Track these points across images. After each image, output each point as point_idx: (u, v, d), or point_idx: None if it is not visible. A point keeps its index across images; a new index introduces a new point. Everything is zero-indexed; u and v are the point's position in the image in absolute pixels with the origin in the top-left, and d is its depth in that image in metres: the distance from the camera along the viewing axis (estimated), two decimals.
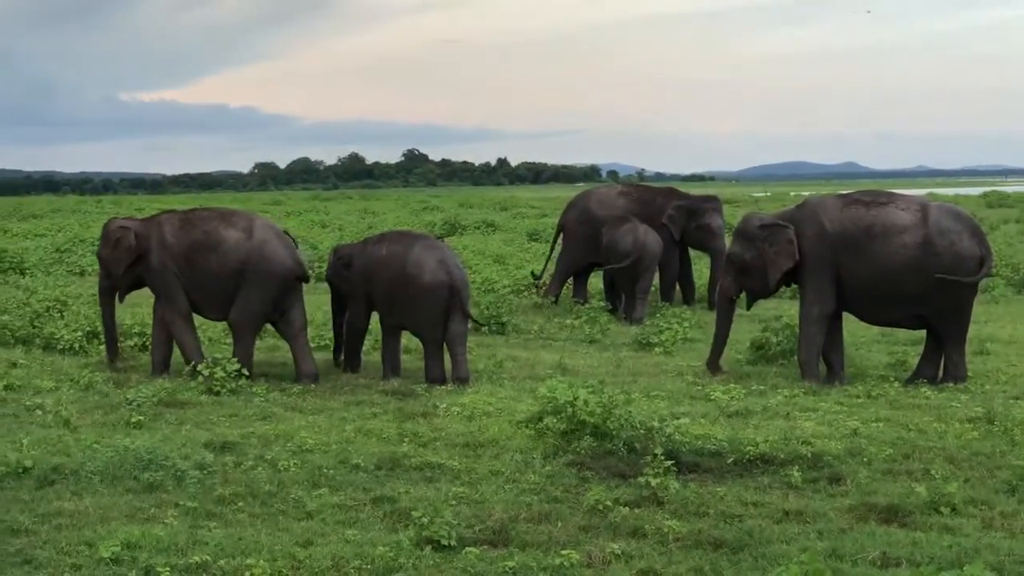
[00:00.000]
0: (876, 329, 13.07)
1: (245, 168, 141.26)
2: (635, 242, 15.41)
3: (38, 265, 21.10)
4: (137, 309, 13.31)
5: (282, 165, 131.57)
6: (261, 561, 5.79)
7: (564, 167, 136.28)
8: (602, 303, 15.59)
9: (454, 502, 6.92)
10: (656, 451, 7.27)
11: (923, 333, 11.23)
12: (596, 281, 17.66)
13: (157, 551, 6.01)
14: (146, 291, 11.71)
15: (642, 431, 8.05)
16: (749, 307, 12.12)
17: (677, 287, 16.97)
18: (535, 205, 45.83)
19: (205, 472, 7.50)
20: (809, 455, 7.89)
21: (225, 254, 11.01)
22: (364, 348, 11.79)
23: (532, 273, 17.79)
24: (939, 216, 10.74)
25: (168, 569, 5.73)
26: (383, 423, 9.10)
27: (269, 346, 12.75)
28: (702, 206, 16.81)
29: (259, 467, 7.71)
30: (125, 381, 10.74)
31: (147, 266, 11.29)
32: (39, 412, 9.32)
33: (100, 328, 11.98)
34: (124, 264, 11.33)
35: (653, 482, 7.01)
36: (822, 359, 10.99)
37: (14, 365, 11.31)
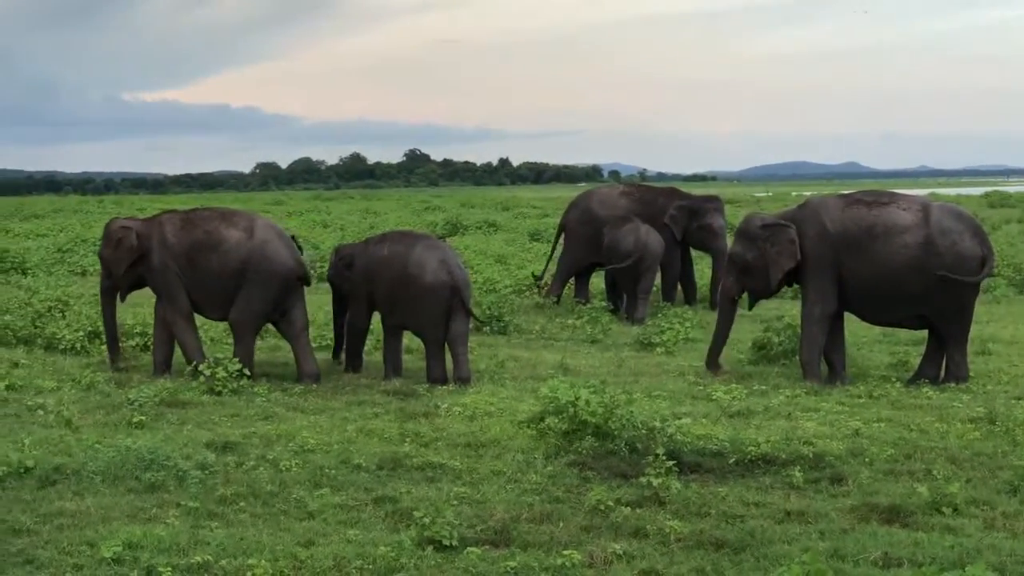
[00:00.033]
0: (878, 329, 13.06)
1: (247, 168, 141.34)
2: (637, 242, 15.41)
3: (40, 265, 21.12)
4: (139, 309, 13.31)
5: (284, 165, 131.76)
6: (263, 561, 5.79)
7: (566, 167, 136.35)
8: (604, 303, 15.59)
9: (456, 502, 6.92)
10: (658, 451, 7.28)
11: (925, 333, 11.23)
12: (598, 281, 17.65)
13: (159, 551, 6.02)
14: (148, 291, 11.70)
15: (644, 431, 8.05)
16: (751, 307, 12.12)
17: (679, 287, 16.97)
18: (537, 205, 45.83)
19: (207, 472, 7.50)
20: (811, 455, 7.89)
21: (226, 254, 11.01)
22: (366, 348, 11.79)
23: (533, 274, 17.78)
24: (941, 216, 10.73)
25: (170, 569, 5.73)
26: (385, 423, 9.11)
27: (271, 346, 12.75)
28: (704, 206, 16.81)
29: (261, 467, 7.72)
30: (127, 381, 10.74)
31: (148, 266, 11.29)
32: (41, 412, 9.32)
33: (102, 328, 11.98)
34: (125, 264, 11.34)
35: (655, 482, 7.01)
36: (824, 359, 10.98)
37: (16, 365, 11.31)
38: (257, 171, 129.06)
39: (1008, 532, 6.47)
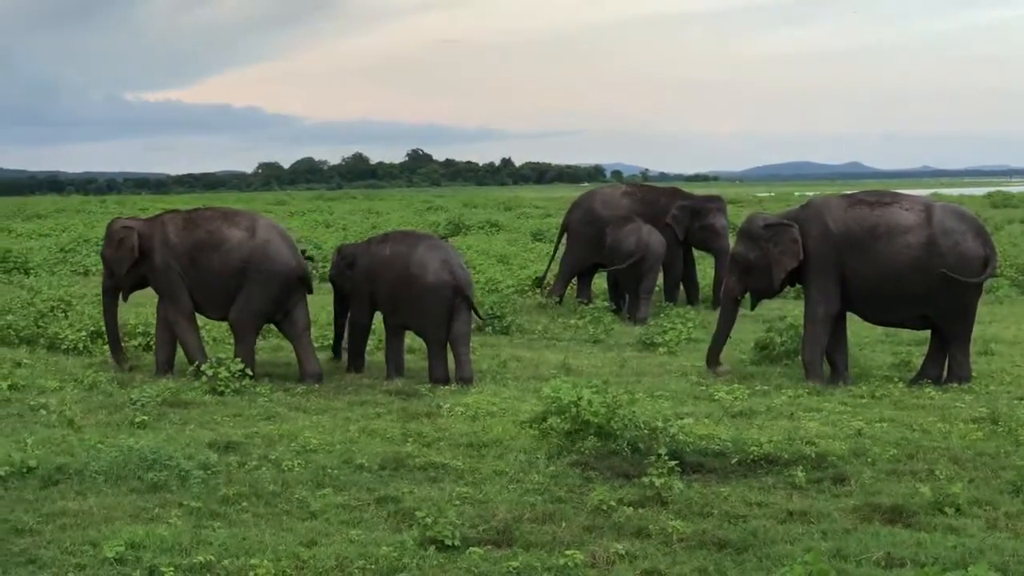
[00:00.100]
0: (880, 329, 13.05)
1: (249, 168, 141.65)
2: (639, 242, 15.40)
3: (42, 265, 21.14)
4: (141, 309, 13.32)
5: (286, 165, 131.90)
6: (265, 561, 5.79)
7: (568, 167, 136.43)
8: (606, 303, 15.59)
9: (458, 502, 6.92)
10: (660, 451, 7.28)
11: (927, 333, 11.22)
12: (600, 281, 17.65)
13: (161, 551, 6.02)
14: (150, 291, 11.71)
15: (646, 431, 8.05)
16: (754, 307, 12.11)
17: (681, 287, 16.96)
18: (539, 205, 45.85)
19: (209, 472, 7.50)
20: (813, 455, 7.89)
21: (228, 253, 11.01)
22: (368, 348, 11.79)
23: (535, 277, 17.75)
24: (943, 216, 10.73)
25: (172, 569, 5.73)
26: (387, 423, 9.11)
27: (273, 346, 12.76)
28: (706, 206, 16.80)
29: (263, 467, 7.72)
30: (129, 381, 10.75)
31: (150, 266, 11.30)
32: (43, 412, 9.32)
33: (104, 328, 11.97)
34: (127, 264, 11.34)
35: (657, 482, 7.01)
36: (826, 359, 10.98)
37: (18, 365, 11.31)
38: (259, 171, 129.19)
39: (1011, 532, 6.46)
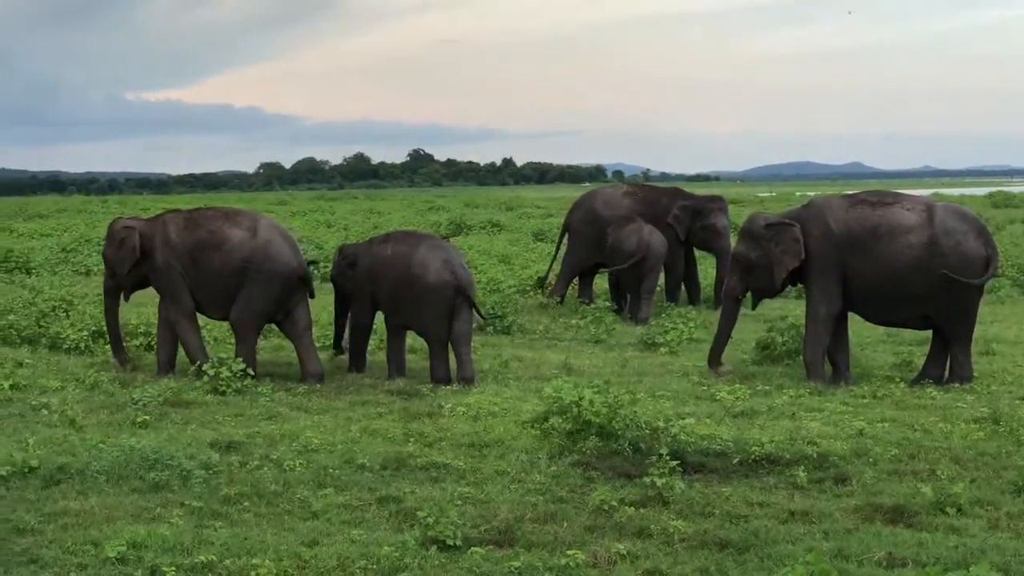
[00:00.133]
0: (882, 329, 13.05)
1: (250, 168, 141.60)
2: (640, 242, 15.40)
3: (44, 265, 21.15)
4: (142, 309, 13.33)
5: (287, 165, 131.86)
6: (267, 561, 5.79)
7: (569, 167, 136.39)
8: (607, 303, 15.59)
9: (459, 502, 6.92)
10: (661, 451, 7.28)
11: (929, 333, 11.22)
12: (601, 281, 17.65)
13: (163, 551, 6.02)
14: (152, 291, 11.71)
15: (647, 431, 8.05)
16: (754, 307, 12.11)
17: (683, 287, 16.96)
18: (540, 205, 45.83)
19: (211, 472, 7.51)
20: (815, 455, 7.89)
21: (229, 252, 11.01)
22: (369, 348, 11.80)
23: (538, 278, 17.72)
24: (945, 216, 10.73)
25: (173, 569, 5.73)
26: (388, 423, 9.11)
27: (274, 346, 12.76)
28: (707, 206, 16.80)
29: (265, 467, 7.72)
30: (131, 381, 10.75)
31: (152, 266, 11.30)
32: (45, 412, 9.33)
33: (105, 328, 11.97)
34: (129, 264, 11.34)
35: (658, 482, 7.01)
36: (828, 359, 10.98)
37: (20, 364, 11.32)
38: (261, 171, 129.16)
39: (1012, 532, 6.46)
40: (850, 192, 11.58)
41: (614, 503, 6.83)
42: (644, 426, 8.07)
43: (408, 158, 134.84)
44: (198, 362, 10.84)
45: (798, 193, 58.53)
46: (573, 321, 14.63)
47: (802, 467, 7.59)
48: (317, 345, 11.64)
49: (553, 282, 17.24)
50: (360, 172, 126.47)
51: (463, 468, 7.71)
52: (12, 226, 33.05)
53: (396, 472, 7.67)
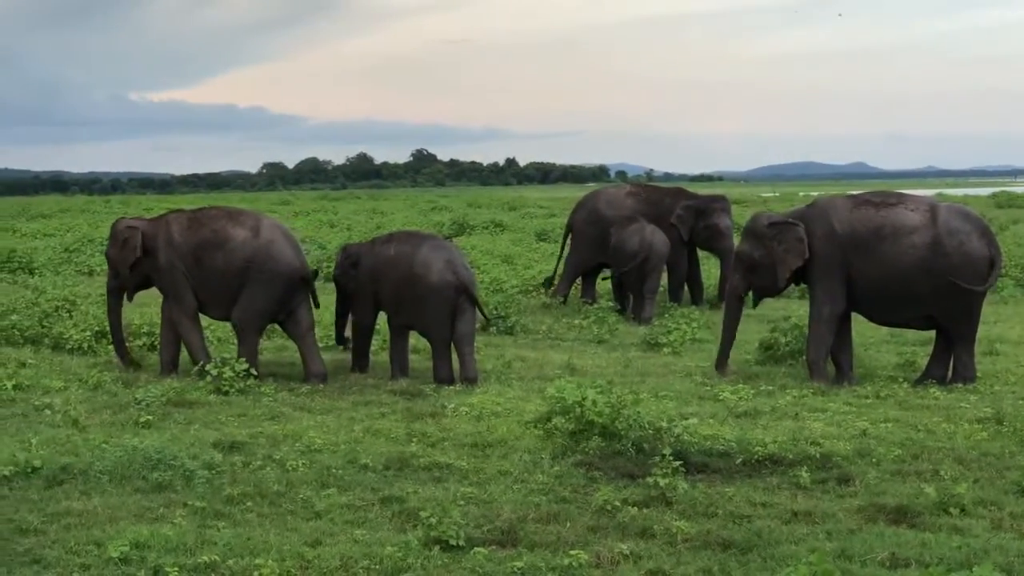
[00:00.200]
0: (885, 330, 13.04)
1: (253, 168, 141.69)
2: (642, 242, 15.40)
3: (47, 265, 21.16)
4: (145, 309, 13.33)
5: (290, 165, 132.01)
6: (270, 561, 5.79)
7: (572, 167, 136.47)
8: (610, 303, 15.58)
9: (462, 502, 6.92)
10: (665, 451, 7.27)
11: (932, 334, 11.21)
12: (604, 281, 17.65)
13: (166, 551, 6.02)
14: (155, 291, 11.71)
15: (651, 431, 8.05)
16: (755, 305, 12.10)
17: (686, 287, 16.96)
18: (543, 205, 45.85)
19: (214, 472, 7.51)
20: (818, 456, 7.89)
21: (231, 252, 11.01)
22: (372, 348, 11.79)
23: (546, 279, 17.70)
24: (948, 217, 10.72)
25: (176, 569, 5.73)
26: (391, 423, 9.11)
27: (277, 346, 12.76)
28: (710, 206, 16.80)
29: (268, 467, 7.72)
30: (133, 381, 10.75)
31: (155, 265, 11.30)
32: (48, 412, 9.34)
33: (108, 328, 11.98)
34: (131, 263, 11.34)
35: (662, 482, 7.01)
36: (831, 359, 10.97)
37: (23, 365, 11.32)
38: (264, 171, 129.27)
39: (1015, 533, 6.46)
40: (854, 192, 11.57)
41: (617, 503, 6.83)
42: (647, 426, 8.07)
43: (411, 158, 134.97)
44: (201, 362, 10.84)
45: (801, 193, 58.49)
46: (576, 321, 14.62)
47: (805, 467, 7.59)
48: (321, 345, 11.63)
49: (556, 282, 17.23)
50: (363, 172, 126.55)
51: (466, 468, 7.71)
52: (15, 226, 33.10)
53: (399, 472, 7.67)
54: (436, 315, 10.88)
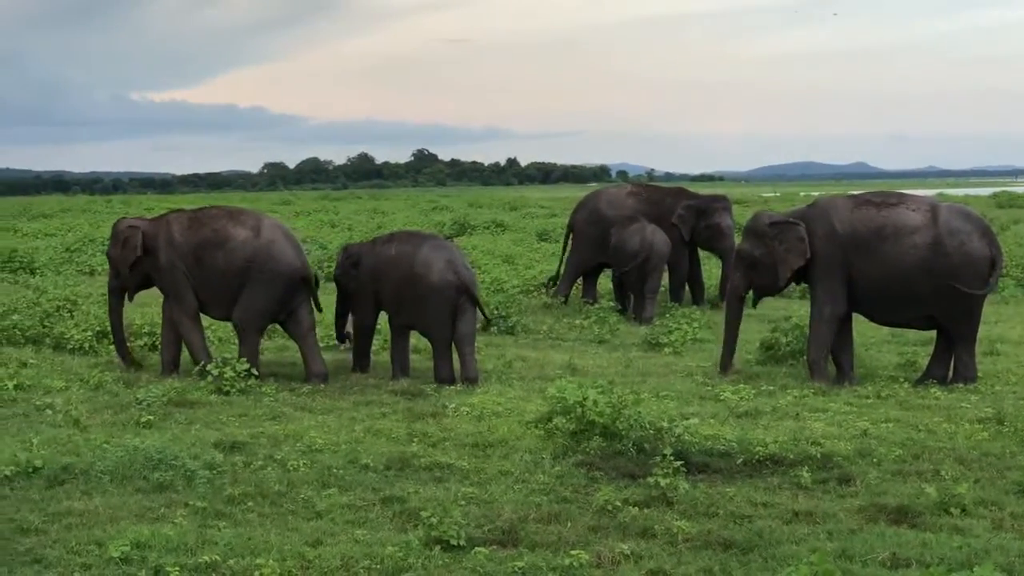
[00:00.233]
0: (886, 329, 13.04)
1: (254, 168, 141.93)
2: (643, 242, 15.40)
3: (48, 265, 21.17)
4: (147, 309, 13.33)
5: (291, 165, 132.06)
6: (271, 561, 5.80)
7: (574, 167, 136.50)
8: (611, 303, 15.58)
9: (463, 502, 6.92)
10: (665, 451, 7.27)
11: (933, 334, 11.21)
12: (605, 281, 17.65)
13: (167, 551, 6.02)
14: (155, 291, 11.72)
15: (651, 431, 8.05)
16: (755, 304, 12.10)
17: (687, 287, 16.96)
18: (544, 205, 45.85)
19: (215, 472, 7.51)
20: (819, 456, 7.89)
21: (232, 252, 11.02)
22: (373, 348, 11.80)
23: (549, 279, 17.69)
24: (949, 217, 10.72)
25: (177, 569, 5.74)
26: (392, 423, 9.11)
27: (278, 346, 12.77)
28: (711, 206, 16.80)
29: (269, 467, 7.72)
30: (135, 381, 10.75)
31: (156, 265, 11.31)
32: (49, 412, 9.34)
33: (110, 328, 11.98)
34: (132, 263, 11.35)
35: (662, 482, 7.01)
36: (832, 359, 10.97)
37: (24, 365, 11.33)
38: (265, 171, 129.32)
39: (1016, 533, 6.46)
40: (855, 192, 11.57)
41: (618, 503, 6.83)
42: (648, 426, 8.07)
43: (412, 158, 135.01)
44: (202, 362, 10.84)
45: (802, 193, 58.50)
46: (577, 321, 14.63)
47: (806, 467, 7.59)
48: (322, 345, 11.64)
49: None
50: (364, 172, 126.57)
51: (467, 468, 7.71)
52: (16, 226, 33.11)
53: (400, 472, 7.67)
54: (437, 315, 10.88)
